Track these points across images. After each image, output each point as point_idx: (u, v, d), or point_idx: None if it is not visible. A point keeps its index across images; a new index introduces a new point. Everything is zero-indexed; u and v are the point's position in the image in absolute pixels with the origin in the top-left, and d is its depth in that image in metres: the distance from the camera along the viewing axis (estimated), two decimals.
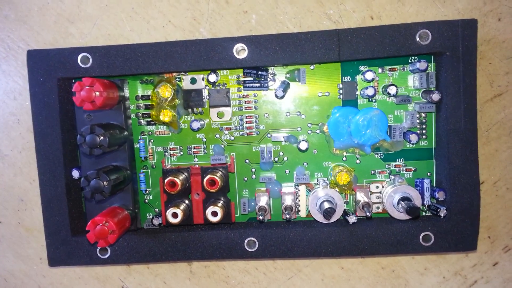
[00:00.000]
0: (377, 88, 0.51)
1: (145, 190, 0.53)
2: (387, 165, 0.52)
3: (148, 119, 0.52)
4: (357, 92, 0.51)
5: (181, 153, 0.53)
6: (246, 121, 0.52)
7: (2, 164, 0.56)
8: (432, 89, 0.49)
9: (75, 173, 0.51)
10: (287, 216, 0.50)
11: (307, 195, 0.51)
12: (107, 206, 0.51)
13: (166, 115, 0.50)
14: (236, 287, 0.56)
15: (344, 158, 0.52)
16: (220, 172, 0.50)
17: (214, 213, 0.49)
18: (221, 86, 0.52)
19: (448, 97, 0.47)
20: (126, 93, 0.52)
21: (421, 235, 0.49)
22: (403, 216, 0.49)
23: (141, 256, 0.51)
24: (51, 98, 0.50)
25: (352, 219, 0.49)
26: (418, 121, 0.50)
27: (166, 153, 0.53)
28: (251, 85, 0.51)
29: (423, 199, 0.50)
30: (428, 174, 0.52)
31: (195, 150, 0.53)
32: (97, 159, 0.50)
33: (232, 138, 0.52)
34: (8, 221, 0.57)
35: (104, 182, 0.46)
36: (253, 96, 0.52)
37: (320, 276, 0.56)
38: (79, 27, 0.54)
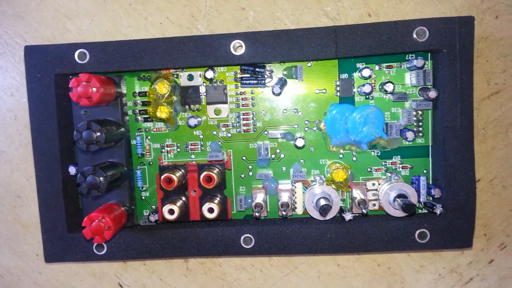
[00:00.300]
0: (374, 85, 0.51)
1: (142, 187, 0.53)
2: (383, 163, 0.52)
3: (145, 116, 0.52)
4: (354, 89, 0.51)
5: (178, 149, 0.53)
6: (243, 118, 0.52)
7: None
8: (429, 86, 0.49)
9: (72, 169, 0.51)
10: (284, 213, 0.50)
11: (303, 192, 0.51)
12: (103, 203, 0.51)
13: (163, 112, 0.50)
14: (233, 284, 0.56)
15: (341, 155, 0.52)
16: (217, 169, 0.50)
17: (211, 210, 0.49)
18: (218, 83, 0.52)
19: (445, 94, 0.47)
20: (123, 89, 0.52)
21: (417, 232, 0.49)
22: (399, 213, 0.49)
23: (138, 253, 0.51)
24: (48, 94, 0.50)
25: (348, 216, 0.48)
26: (414, 118, 0.50)
27: (163, 150, 0.53)
28: (248, 81, 0.51)
29: (419, 196, 0.50)
30: (425, 171, 0.52)
31: (192, 146, 0.53)
32: (93, 155, 0.50)
33: (229, 135, 0.52)
34: (4, 218, 0.57)
35: (101, 178, 0.46)
36: (250, 93, 0.52)
37: (316, 273, 0.56)
38: (77, 23, 0.54)
